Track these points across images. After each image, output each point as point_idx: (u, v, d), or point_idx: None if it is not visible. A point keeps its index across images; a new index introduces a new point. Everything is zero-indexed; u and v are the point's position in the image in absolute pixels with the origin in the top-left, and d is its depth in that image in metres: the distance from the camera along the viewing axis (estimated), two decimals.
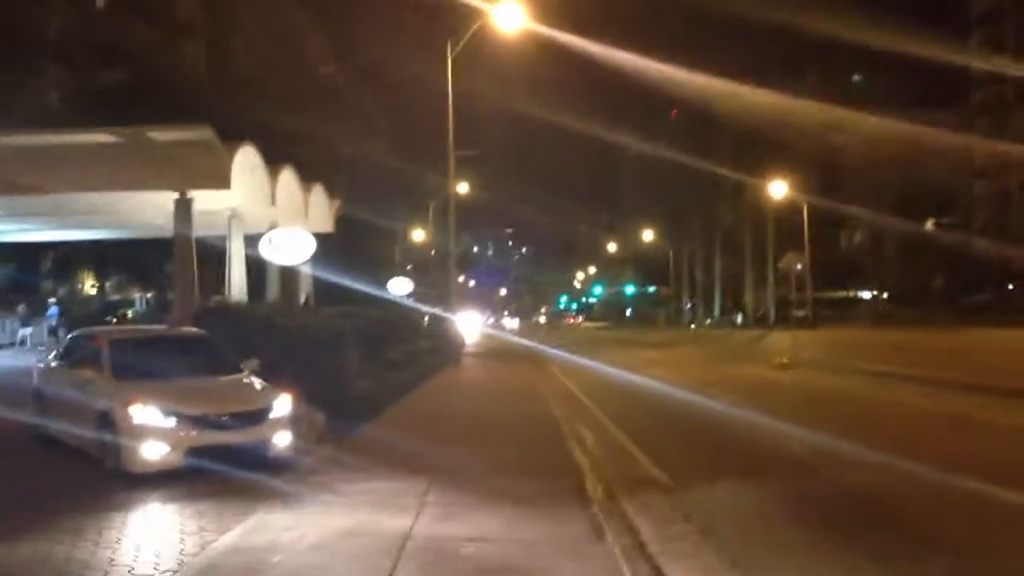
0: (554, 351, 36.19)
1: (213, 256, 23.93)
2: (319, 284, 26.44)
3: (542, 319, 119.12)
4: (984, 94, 68.37)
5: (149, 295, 41.50)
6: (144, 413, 8.76)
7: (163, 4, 40.03)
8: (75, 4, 35.63)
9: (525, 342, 51.23)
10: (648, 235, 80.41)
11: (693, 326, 68.95)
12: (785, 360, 25.67)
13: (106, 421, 8.97)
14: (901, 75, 59.60)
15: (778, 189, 50.77)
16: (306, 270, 24.93)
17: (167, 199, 19.11)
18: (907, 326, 44.67)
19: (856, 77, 71.15)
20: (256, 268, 23.65)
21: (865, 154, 69.72)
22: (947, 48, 55.89)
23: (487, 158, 56.80)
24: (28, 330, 30.34)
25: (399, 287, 32.72)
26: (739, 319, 66.21)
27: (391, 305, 29.21)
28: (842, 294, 71.50)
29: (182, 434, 8.78)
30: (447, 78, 28.32)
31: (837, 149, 69.47)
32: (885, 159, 70.74)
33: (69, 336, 11.59)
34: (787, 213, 59.47)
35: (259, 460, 9.09)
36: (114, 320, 32.82)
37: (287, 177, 22.77)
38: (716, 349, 38.27)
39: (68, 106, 30.33)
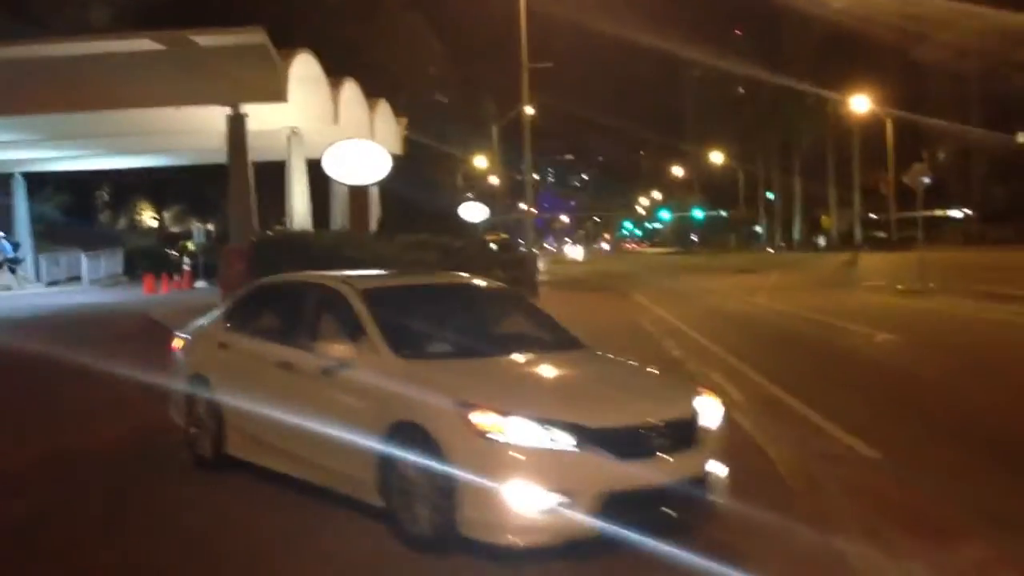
0: (631, 278, 34.05)
1: (274, 183, 22.04)
2: (386, 211, 24.49)
3: (605, 246, 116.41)
4: None
5: (209, 227, 40.12)
6: (506, 426, 4.68)
7: None
8: None
9: (594, 270, 49.15)
10: (716, 157, 76.84)
11: (771, 250, 65.81)
12: (906, 286, 23.01)
13: (411, 440, 4.95)
14: None
15: (860, 104, 47.46)
16: (374, 194, 22.90)
17: (220, 117, 17.14)
18: (1003, 245, 40.83)
19: None
20: (319, 195, 21.72)
21: (951, 63, 64.99)
22: None
23: (555, 73, 53.68)
24: None
25: (472, 213, 30.50)
26: (822, 242, 62.82)
27: (460, 233, 27.27)
28: (926, 214, 67.38)
29: (593, 467, 4.70)
30: None
31: (920, 60, 64.61)
32: (974, 70, 65.97)
33: (255, 285, 7.43)
34: (868, 129, 56.41)
35: (697, 510, 5.09)
36: (174, 253, 31.44)
37: (350, 92, 20.59)
38: (809, 274, 35.51)
39: (112, 22, 28.42)
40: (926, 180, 23.79)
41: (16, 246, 27.21)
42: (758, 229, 78.45)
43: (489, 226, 37.65)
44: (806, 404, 8.78)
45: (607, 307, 21.91)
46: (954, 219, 66.16)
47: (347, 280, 6.37)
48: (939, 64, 64.39)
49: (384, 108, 24.25)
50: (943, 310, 18.21)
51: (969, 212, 65.45)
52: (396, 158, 24.96)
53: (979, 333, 14.96)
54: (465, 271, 17.78)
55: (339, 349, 5.57)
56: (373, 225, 22.81)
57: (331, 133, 19.37)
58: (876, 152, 57.69)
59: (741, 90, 76.40)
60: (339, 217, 22.13)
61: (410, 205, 26.74)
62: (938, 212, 67.79)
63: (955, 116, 62.58)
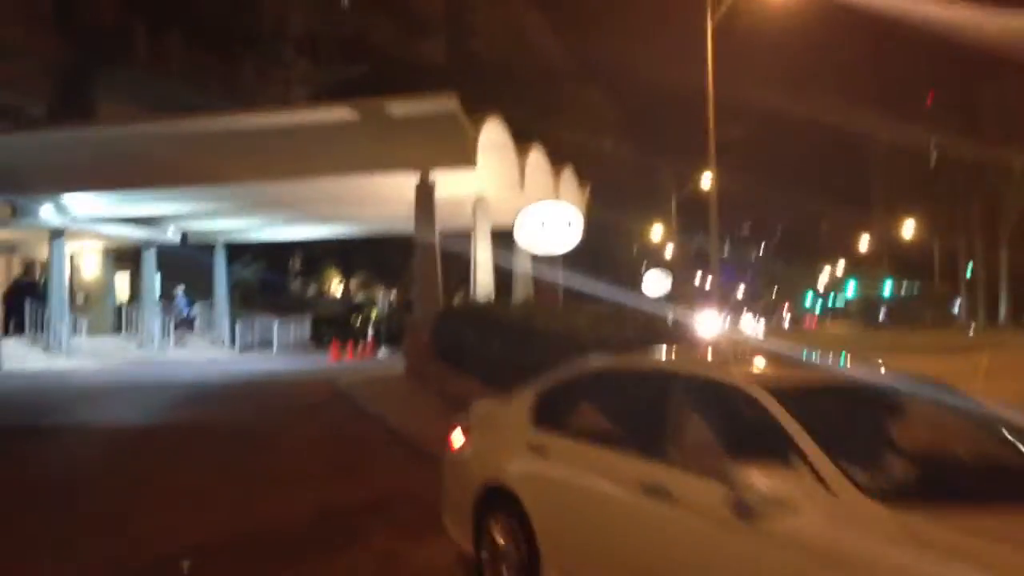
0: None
1: (456, 252, 21.94)
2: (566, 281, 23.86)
3: (785, 322, 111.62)
4: None
5: (392, 295, 41.05)
6: None
7: (404, 1, 39.83)
8: (320, 1, 35.68)
9: (773, 347, 46.46)
10: (908, 229, 72.46)
11: (973, 327, 60.64)
12: None
13: None
14: None
15: None
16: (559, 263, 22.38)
17: (407, 185, 17.13)
18: None
19: None
20: (501, 263, 21.39)
21: None
22: None
23: (733, 143, 52.38)
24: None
25: (655, 284, 29.47)
26: None
27: (638, 305, 26.29)
28: None
29: None
30: (706, 49, 24.94)
31: None
32: None
33: (580, 369, 5.41)
34: None
35: None
36: (358, 320, 32.09)
37: (536, 158, 20.23)
38: None
39: (312, 98, 29.78)
40: None
41: (191, 303, 28.16)
42: (954, 305, 72.90)
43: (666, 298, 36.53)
44: None
45: None
46: None
47: (743, 370, 4.45)
48: None
49: (568, 174, 23.82)
50: None
51: None
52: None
53: None
54: (654, 344, 16.80)
55: (769, 481, 3.57)
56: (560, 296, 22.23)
57: (517, 200, 19.03)
58: None
59: (933, 158, 72.25)
60: (521, 287, 21.68)
61: (589, 275, 26.07)
62: None
63: None
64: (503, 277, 21.78)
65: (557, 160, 23.34)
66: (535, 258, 21.37)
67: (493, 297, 18.73)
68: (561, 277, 23.00)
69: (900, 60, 58.10)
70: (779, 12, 26.26)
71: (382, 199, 19.69)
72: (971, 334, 54.25)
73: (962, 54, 47.26)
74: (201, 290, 28.99)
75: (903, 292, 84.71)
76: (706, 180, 42.64)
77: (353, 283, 41.56)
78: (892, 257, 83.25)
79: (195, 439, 11.55)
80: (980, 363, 27.72)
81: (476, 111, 17.20)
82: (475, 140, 16.07)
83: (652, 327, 16.82)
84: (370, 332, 28.39)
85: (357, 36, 34.17)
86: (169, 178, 18.23)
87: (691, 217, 51.83)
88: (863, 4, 34.58)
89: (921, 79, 62.61)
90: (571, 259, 23.16)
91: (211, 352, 27.38)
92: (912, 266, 78.81)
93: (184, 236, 27.46)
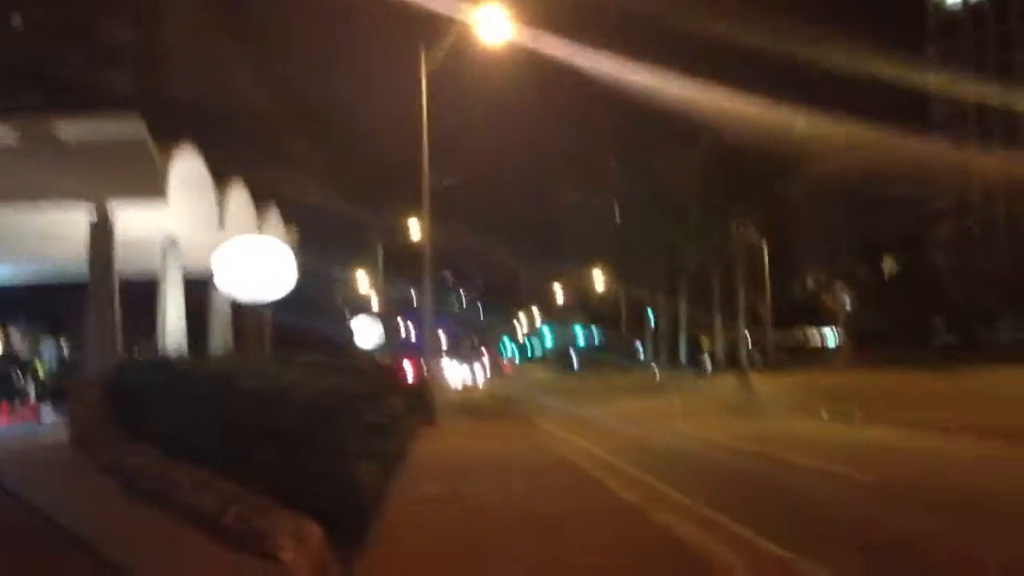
0: (525, 402, 32.86)
1: (139, 300, 19.35)
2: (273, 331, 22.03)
3: (484, 367, 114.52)
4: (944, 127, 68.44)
5: (64, 347, 36.39)
6: None
7: (88, 29, 36.46)
8: None
9: (481, 394, 47.86)
10: (598, 277, 77.99)
11: (655, 370, 65.48)
12: (828, 412, 22.02)
13: None
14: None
15: (741, 232, 50.45)
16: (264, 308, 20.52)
17: (83, 222, 14.68)
18: (886, 368, 39.84)
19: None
20: (194, 309, 19.19)
21: (818, 193, 68.33)
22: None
23: (445, 193, 52.92)
24: None
25: (366, 333, 28.26)
26: (708, 364, 62.99)
27: (348, 354, 25.20)
28: (799, 337, 69.68)
29: None
30: (420, 95, 24.79)
31: (794, 191, 66.82)
32: (841, 197, 70.69)
33: None
34: (745, 255, 59.66)
35: None
36: (20, 376, 27.69)
37: (238, 195, 18.43)
38: (711, 397, 34.51)
39: None
40: (847, 299, 23.32)
41: None
42: (639, 350, 78.67)
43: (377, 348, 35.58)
44: None
45: (520, 438, 20.03)
46: (824, 342, 67.78)
47: None
48: (812, 194, 67.79)
49: (274, 214, 22.12)
50: (896, 443, 16.40)
51: (843, 336, 67.14)
52: None
53: (973, 475, 12.22)
54: (368, 396, 15.46)
55: None
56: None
57: (216, 241, 17.10)
58: (756, 277, 60.05)
59: (617, 219, 78.57)
60: (219, 337, 19.55)
61: (297, 324, 24.52)
62: (806, 336, 69.68)
63: (824, 242, 66.25)
64: (200, 327, 19.55)
65: (262, 200, 21.62)
66: (237, 306, 19.44)
67: (184, 348, 16.58)
68: (268, 327, 21.19)
69: (594, 119, 62.35)
70: (489, 66, 26.55)
71: (52, 236, 16.85)
72: (657, 377, 58.49)
73: (648, 115, 51.51)
74: None
75: (595, 338, 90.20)
76: (413, 228, 42.51)
77: (14, 334, 36.28)
78: (585, 306, 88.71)
79: None
80: (674, 405, 29.66)
81: (169, 143, 15.23)
82: (165, 170, 14.11)
83: (359, 374, 15.64)
84: (32, 391, 24.41)
85: (34, 64, 30.42)
86: None
87: (397, 265, 51.60)
88: (564, 65, 36.32)
89: (612, 139, 67.48)
90: (276, 308, 21.48)
91: None
92: (603, 314, 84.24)
93: None
